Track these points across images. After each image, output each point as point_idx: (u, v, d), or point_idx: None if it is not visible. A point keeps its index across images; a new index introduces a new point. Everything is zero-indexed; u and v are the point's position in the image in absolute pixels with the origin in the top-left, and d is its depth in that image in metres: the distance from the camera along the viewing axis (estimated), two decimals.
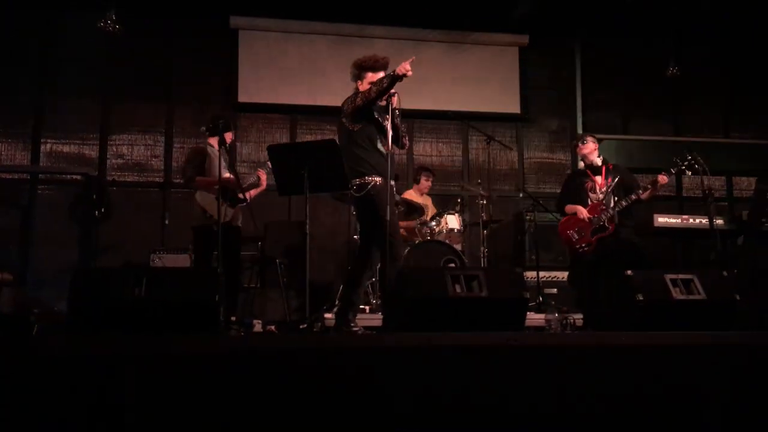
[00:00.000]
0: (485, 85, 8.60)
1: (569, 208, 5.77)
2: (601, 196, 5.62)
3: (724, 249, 6.23)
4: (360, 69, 4.68)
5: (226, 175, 5.37)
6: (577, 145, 5.84)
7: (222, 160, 5.46)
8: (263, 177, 5.64)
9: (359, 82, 4.68)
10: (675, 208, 8.71)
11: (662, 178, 5.51)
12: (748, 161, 8.86)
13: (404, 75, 4.34)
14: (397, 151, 4.62)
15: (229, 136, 5.57)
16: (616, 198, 5.55)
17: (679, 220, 6.40)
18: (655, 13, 8.10)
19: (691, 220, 6.32)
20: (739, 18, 8.37)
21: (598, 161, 5.74)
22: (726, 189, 9.11)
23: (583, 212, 5.63)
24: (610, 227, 5.46)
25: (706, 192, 5.36)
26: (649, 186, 5.53)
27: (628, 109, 9.06)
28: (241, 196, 5.45)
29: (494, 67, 8.72)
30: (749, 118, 9.20)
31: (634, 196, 5.51)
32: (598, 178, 5.70)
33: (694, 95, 9.09)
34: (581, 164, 5.88)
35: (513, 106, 8.73)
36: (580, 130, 8.76)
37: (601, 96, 9.01)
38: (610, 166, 5.74)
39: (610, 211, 5.47)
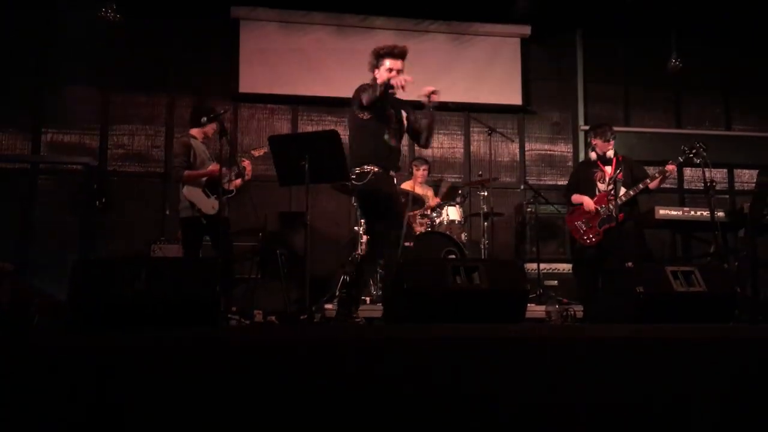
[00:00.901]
0: (487, 76, 8.58)
1: (576, 198, 5.78)
2: (609, 186, 5.63)
3: (725, 241, 6.22)
4: (377, 57, 4.59)
5: (213, 166, 5.38)
6: (609, 141, 5.75)
7: (203, 152, 5.48)
8: (249, 168, 5.61)
9: (376, 71, 4.60)
10: (676, 200, 8.72)
11: (670, 167, 5.53)
12: (750, 154, 8.84)
13: (395, 86, 4.34)
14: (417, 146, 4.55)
15: (210, 130, 5.55)
16: (624, 189, 5.56)
17: (680, 212, 6.39)
18: (657, 5, 8.07)
19: (692, 213, 6.31)
20: (740, 10, 8.34)
21: (611, 153, 5.76)
22: (727, 181, 9.10)
23: (589, 203, 5.64)
24: (618, 218, 5.48)
25: (708, 184, 5.35)
26: (657, 174, 5.56)
27: (630, 101, 9.04)
28: (227, 187, 5.45)
29: (496, 58, 8.69)
30: (751, 111, 9.19)
31: (641, 185, 5.54)
32: (608, 169, 5.71)
33: (696, 87, 9.07)
34: (592, 155, 5.88)
35: (515, 98, 8.70)
36: (581, 122, 8.75)
37: (603, 88, 8.98)
38: (620, 158, 5.76)
39: (618, 202, 5.49)
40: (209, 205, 5.38)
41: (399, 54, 4.55)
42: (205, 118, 5.48)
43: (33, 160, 7.71)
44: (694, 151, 5.48)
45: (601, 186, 5.70)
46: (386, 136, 4.54)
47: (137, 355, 2.43)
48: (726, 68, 9.07)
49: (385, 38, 8.10)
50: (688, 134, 8.60)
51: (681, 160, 5.56)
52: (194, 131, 5.58)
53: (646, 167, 5.91)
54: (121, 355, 2.42)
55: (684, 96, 9.12)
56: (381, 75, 4.54)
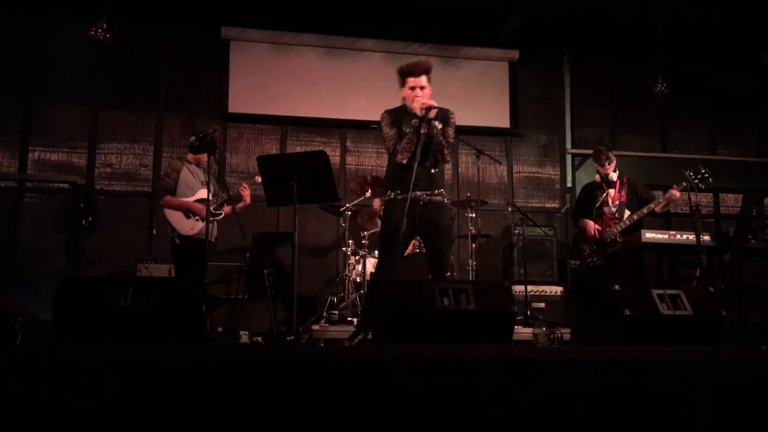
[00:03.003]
0: (475, 99, 8.63)
1: (582, 222, 5.86)
2: (614, 209, 5.68)
3: (711, 265, 6.26)
4: (400, 76, 4.57)
5: (198, 196, 5.40)
6: (605, 165, 5.77)
7: (196, 176, 5.50)
8: (246, 193, 5.62)
9: (402, 89, 4.56)
10: (662, 223, 8.76)
11: (674, 193, 5.56)
12: (735, 178, 8.92)
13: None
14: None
15: (204, 157, 5.56)
16: (628, 212, 5.62)
17: (666, 236, 6.41)
18: (643, 31, 8.18)
19: (678, 236, 6.34)
20: (726, 36, 8.46)
21: (614, 175, 5.81)
22: (713, 205, 9.18)
23: (591, 229, 5.70)
24: (621, 241, 5.54)
25: (693, 208, 5.39)
26: (662, 200, 5.60)
27: (616, 124, 9.12)
28: (214, 211, 5.45)
29: (484, 81, 8.75)
30: (736, 135, 9.29)
31: (646, 209, 5.58)
32: (612, 191, 5.76)
33: (682, 111, 9.16)
34: (597, 177, 5.93)
35: (503, 121, 8.75)
36: (568, 145, 8.83)
37: (590, 111, 9.07)
38: (624, 180, 5.82)
39: (622, 225, 5.55)
40: (187, 226, 5.40)
41: (419, 71, 4.51)
42: (193, 138, 5.50)
43: (19, 178, 7.66)
44: (699, 176, 5.48)
45: (606, 209, 5.76)
46: (398, 157, 4.42)
47: (120, 369, 2.40)
48: (711, 93, 9.18)
49: (374, 61, 8.18)
50: (674, 158, 8.69)
51: (685, 185, 5.55)
52: (189, 156, 5.68)
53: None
54: (104, 369, 2.39)
55: (670, 120, 9.21)
56: (405, 93, 4.53)
